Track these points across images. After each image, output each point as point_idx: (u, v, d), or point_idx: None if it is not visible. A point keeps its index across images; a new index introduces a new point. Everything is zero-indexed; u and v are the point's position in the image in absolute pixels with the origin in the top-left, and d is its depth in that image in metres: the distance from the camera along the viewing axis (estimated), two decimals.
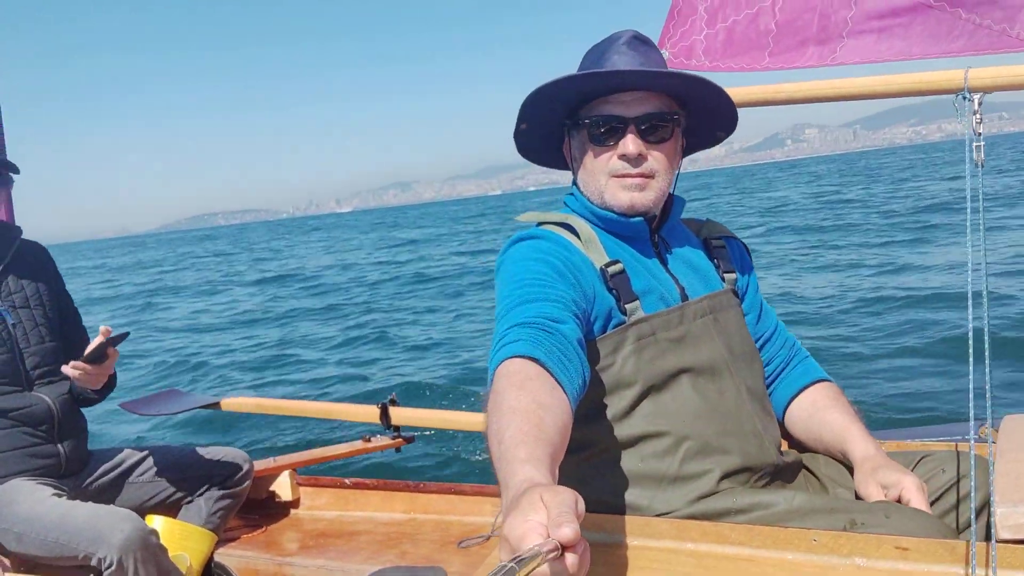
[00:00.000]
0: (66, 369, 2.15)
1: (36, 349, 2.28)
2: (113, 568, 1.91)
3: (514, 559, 0.73)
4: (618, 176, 1.44)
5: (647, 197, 1.44)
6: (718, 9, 1.88)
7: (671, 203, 1.56)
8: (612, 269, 1.41)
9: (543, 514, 0.79)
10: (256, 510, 2.98)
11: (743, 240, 1.69)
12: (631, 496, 1.37)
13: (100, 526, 1.94)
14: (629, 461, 1.38)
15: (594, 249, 1.44)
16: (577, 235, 1.46)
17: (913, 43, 1.69)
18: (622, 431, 1.38)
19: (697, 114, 1.50)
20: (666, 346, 1.40)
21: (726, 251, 1.63)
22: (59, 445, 2.26)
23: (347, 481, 3.01)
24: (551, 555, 0.75)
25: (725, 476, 1.36)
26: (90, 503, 2.08)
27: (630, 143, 1.40)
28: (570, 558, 0.76)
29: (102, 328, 2.21)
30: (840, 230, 18.00)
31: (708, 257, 1.60)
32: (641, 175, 1.43)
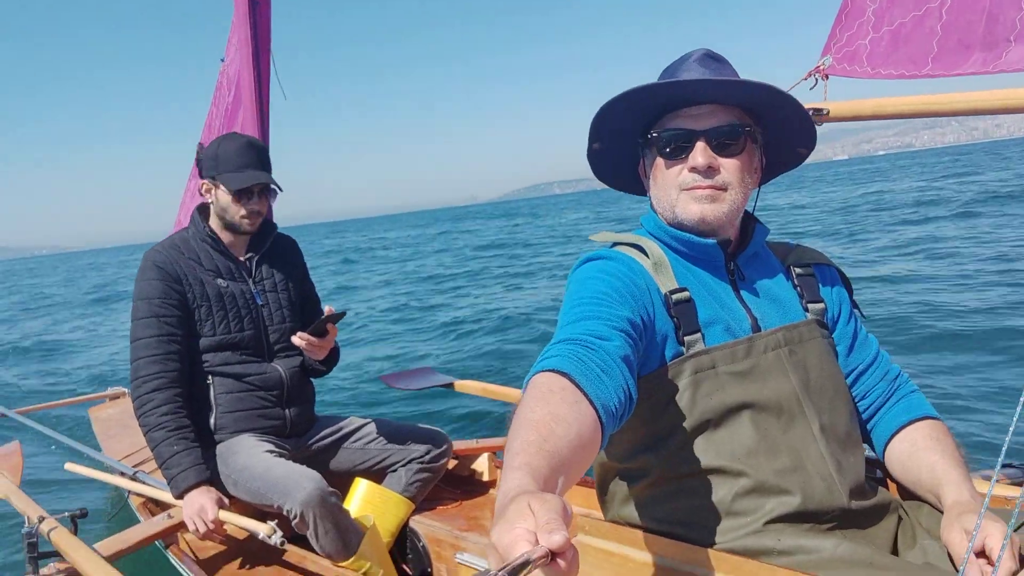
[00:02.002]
0: (294, 339, 2.55)
1: (277, 327, 2.71)
2: (297, 520, 2.27)
3: (503, 568, 0.72)
4: (689, 189, 1.41)
5: (719, 209, 1.40)
6: (886, 11, 1.71)
7: (752, 230, 1.48)
8: (677, 297, 1.38)
9: (531, 521, 0.77)
10: (460, 485, 3.26)
11: (838, 265, 1.54)
12: (685, 528, 1.37)
13: (289, 483, 2.30)
14: (684, 493, 1.37)
15: (663, 273, 1.42)
16: (647, 257, 1.45)
17: None
18: (678, 464, 1.37)
19: (774, 128, 1.42)
20: (727, 380, 1.35)
21: (814, 279, 1.51)
22: (286, 410, 2.67)
23: None
24: (541, 561, 0.74)
25: (781, 517, 1.29)
26: (289, 462, 2.44)
27: (699, 154, 1.37)
28: (561, 564, 0.75)
29: (326, 308, 2.60)
30: None
31: (792, 286, 1.50)
32: (712, 187, 1.39)
